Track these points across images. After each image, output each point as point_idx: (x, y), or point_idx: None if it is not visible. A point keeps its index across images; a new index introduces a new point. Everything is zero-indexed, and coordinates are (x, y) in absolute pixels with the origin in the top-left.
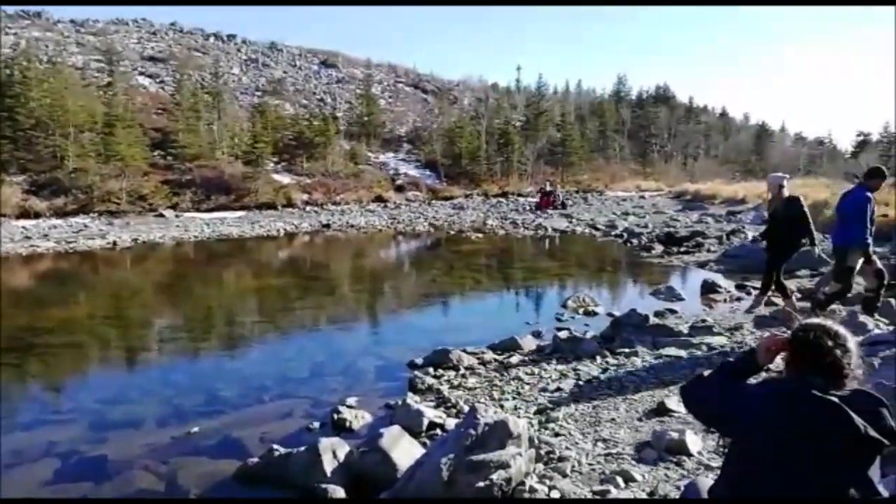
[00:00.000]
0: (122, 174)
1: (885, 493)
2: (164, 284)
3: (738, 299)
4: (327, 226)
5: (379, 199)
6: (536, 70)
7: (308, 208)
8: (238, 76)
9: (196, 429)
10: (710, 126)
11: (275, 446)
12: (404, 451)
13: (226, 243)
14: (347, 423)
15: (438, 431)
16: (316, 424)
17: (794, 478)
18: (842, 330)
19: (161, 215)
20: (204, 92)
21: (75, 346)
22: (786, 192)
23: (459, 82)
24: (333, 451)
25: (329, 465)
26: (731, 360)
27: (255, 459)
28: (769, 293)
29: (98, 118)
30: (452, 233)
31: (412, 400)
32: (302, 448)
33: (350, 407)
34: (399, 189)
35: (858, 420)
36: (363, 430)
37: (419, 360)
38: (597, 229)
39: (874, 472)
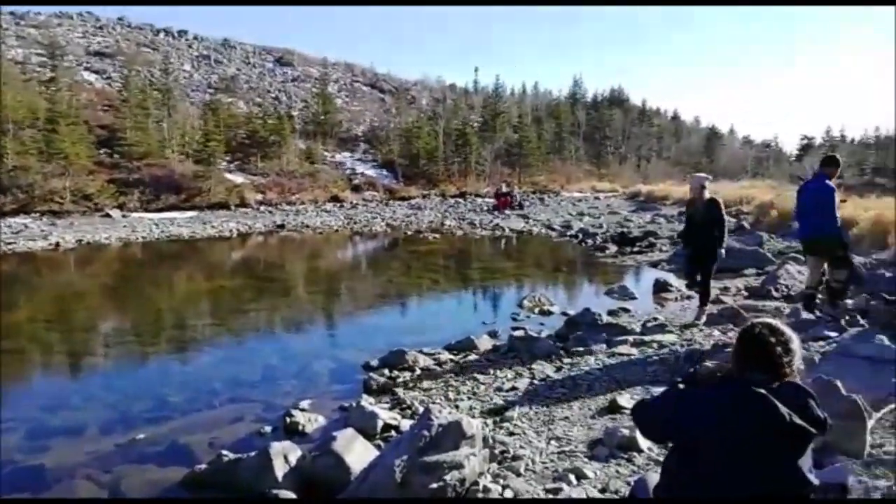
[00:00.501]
0: (66, 172)
1: (816, 482)
2: (111, 287)
3: (689, 298)
4: (282, 226)
5: (335, 199)
6: (494, 71)
7: (262, 208)
8: (189, 73)
9: (142, 435)
10: (663, 128)
11: (224, 452)
12: (358, 453)
13: (176, 244)
14: (300, 427)
15: (393, 433)
16: (268, 429)
17: (734, 473)
18: (785, 329)
19: (107, 215)
20: (153, 88)
21: (15, 352)
22: (707, 194)
23: (417, 82)
24: (285, 455)
25: (280, 470)
26: (678, 380)
27: (204, 466)
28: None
29: (40, 114)
30: (410, 233)
31: (367, 402)
32: (252, 453)
33: (303, 410)
34: (356, 189)
35: (784, 409)
36: (316, 434)
37: (374, 362)
38: (553, 230)
39: (805, 461)
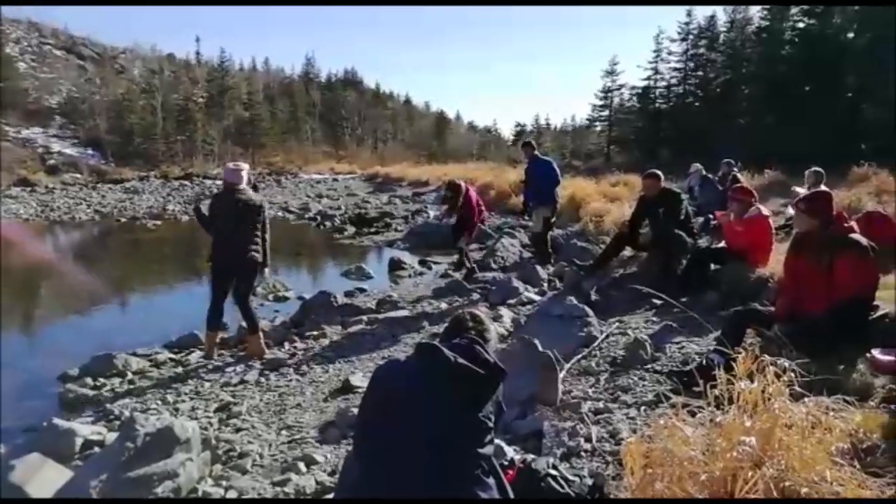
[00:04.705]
0: None
1: (491, 425)
2: None
3: (421, 274)
4: None
5: (24, 182)
6: (219, 43)
7: None
8: None
9: None
10: (397, 112)
11: None
12: (46, 481)
13: None
14: None
15: (97, 449)
16: None
17: (420, 422)
18: (482, 315)
19: None
20: None
21: None
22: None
23: (127, 50)
24: None
25: None
26: None
27: None
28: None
29: None
30: (124, 220)
31: (61, 419)
32: None
33: None
34: (52, 171)
35: (450, 353)
36: None
37: (74, 371)
38: (290, 212)
39: (490, 408)
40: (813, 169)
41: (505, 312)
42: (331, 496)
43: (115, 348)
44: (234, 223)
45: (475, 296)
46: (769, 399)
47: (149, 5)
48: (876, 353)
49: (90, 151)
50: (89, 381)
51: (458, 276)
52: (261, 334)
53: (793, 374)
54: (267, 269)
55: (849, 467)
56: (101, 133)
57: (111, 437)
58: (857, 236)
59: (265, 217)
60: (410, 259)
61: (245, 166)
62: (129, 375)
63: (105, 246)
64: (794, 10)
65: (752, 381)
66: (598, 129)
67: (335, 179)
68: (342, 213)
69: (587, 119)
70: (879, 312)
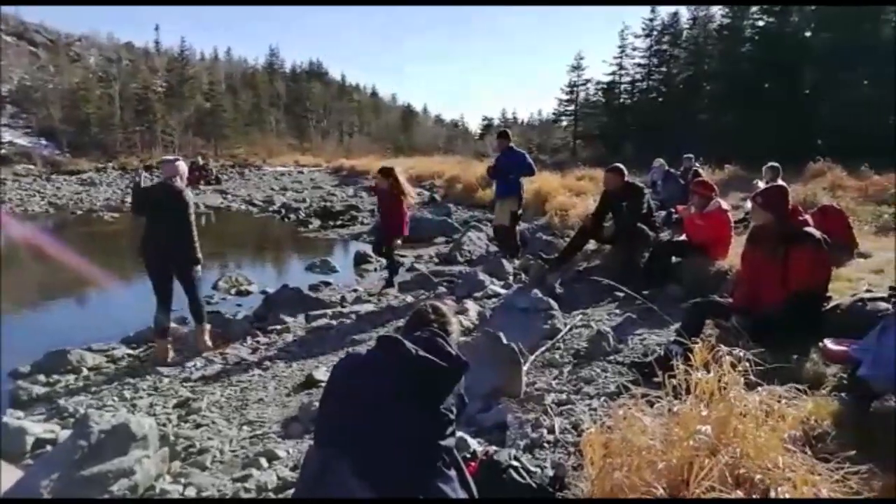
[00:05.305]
0: None
1: (452, 417)
2: None
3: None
4: None
5: None
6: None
7: None
8: None
9: None
10: (363, 104)
11: None
12: None
13: None
14: None
15: (49, 448)
16: None
17: (381, 415)
18: (444, 308)
19: None
20: None
21: None
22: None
23: (82, 37)
24: None
25: None
26: None
27: None
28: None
29: None
30: (81, 213)
31: (12, 417)
32: None
33: None
34: (3, 161)
35: (411, 346)
36: None
37: (26, 368)
38: (254, 205)
39: (451, 400)
40: (770, 164)
41: (471, 305)
42: (292, 491)
43: (70, 344)
44: (160, 215)
45: (441, 289)
46: (725, 388)
47: None
48: (828, 342)
49: (44, 141)
50: (42, 377)
51: (424, 269)
52: (206, 328)
53: (748, 364)
54: (198, 267)
55: (800, 454)
56: (56, 122)
57: (64, 434)
58: (811, 230)
59: (190, 213)
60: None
61: (181, 160)
62: (85, 372)
63: (60, 239)
64: (753, 8)
65: (708, 372)
66: (564, 123)
67: (300, 172)
68: (307, 207)
69: (553, 114)
70: (832, 304)
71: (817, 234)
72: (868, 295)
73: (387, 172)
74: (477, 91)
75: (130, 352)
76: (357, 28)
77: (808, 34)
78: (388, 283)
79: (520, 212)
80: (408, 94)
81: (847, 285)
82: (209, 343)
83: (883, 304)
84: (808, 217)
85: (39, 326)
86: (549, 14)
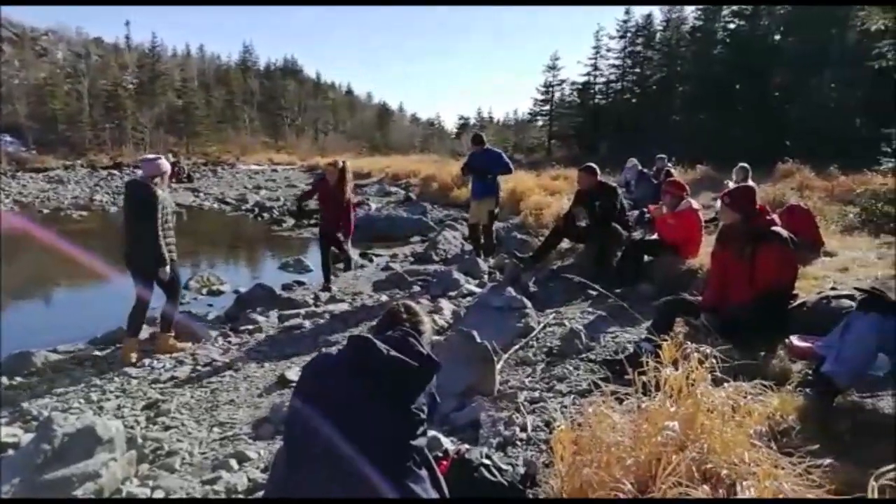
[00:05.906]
0: None
1: (424, 416)
2: None
3: (362, 266)
4: None
5: None
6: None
7: None
8: None
9: None
10: (338, 102)
11: None
12: None
13: None
14: None
15: (11, 452)
16: None
17: (352, 416)
18: (417, 307)
19: None
20: None
21: None
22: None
23: (49, 31)
24: None
25: None
26: None
27: None
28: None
29: None
30: (48, 211)
31: None
32: None
33: None
34: None
35: (382, 346)
36: None
37: None
38: (226, 204)
39: (423, 400)
40: (740, 165)
41: (445, 304)
42: (262, 493)
43: (35, 345)
44: (133, 214)
45: (416, 288)
46: (693, 385)
47: None
48: (794, 339)
49: (8, 138)
50: (4, 380)
51: (399, 268)
52: (171, 333)
53: (715, 361)
54: (164, 269)
55: (765, 448)
56: (21, 119)
57: (27, 438)
58: (778, 229)
59: (167, 214)
60: (351, 251)
61: (162, 159)
62: (49, 373)
63: (25, 238)
64: (725, 10)
65: (677, 368)
66: (540, 123)
67: (274, 170)
68: (281, 205)
69: (529, 113)
70: (798, 301)
71: (784, 233)
72: (833, 293)
73: (336, 164)
74: (453, 90)
75: (98, 352)
76: (332, 26)
77: (777, 38)
78: (347, 266)
79: (496, 211)
80: (383, 92)
81: (813, 283)
82: (177, 345)
83: (847, 302)
84: (775, 216)
85: (2, 327)
86: (527, 14)
